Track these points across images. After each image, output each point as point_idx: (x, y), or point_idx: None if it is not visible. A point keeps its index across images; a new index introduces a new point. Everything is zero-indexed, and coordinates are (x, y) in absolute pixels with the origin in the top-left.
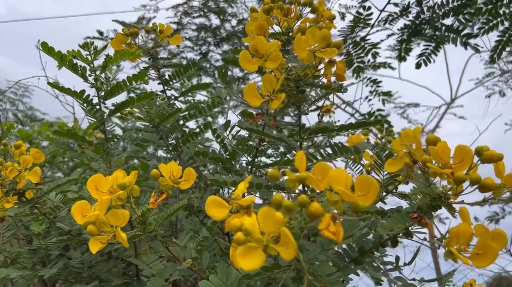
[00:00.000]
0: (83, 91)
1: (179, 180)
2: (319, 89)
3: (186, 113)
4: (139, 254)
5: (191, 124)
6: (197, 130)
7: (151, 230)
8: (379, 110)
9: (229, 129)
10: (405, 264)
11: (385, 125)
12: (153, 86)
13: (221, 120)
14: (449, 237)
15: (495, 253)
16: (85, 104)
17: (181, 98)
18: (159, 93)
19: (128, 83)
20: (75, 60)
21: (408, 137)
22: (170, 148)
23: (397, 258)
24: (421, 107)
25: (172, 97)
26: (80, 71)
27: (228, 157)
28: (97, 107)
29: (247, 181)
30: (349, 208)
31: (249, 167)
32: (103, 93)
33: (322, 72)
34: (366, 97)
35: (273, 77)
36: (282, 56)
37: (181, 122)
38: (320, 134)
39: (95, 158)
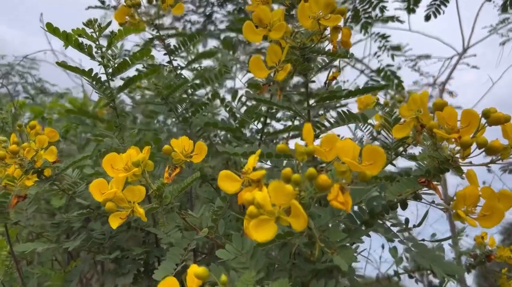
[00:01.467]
0: (91, 70)
1: (191, 154)
2: (325, 55)
3: (194, 82)
4: (157, 224)
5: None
6: (206, 100)
7: (167, 203)
8: (388, 65)
9: (237, 99)
10: (414, 226)
11: (395, 81)
12: (159, 55)
13: (229, 83)
14: (456, 200)
15: (501, 214)
16: (94, 82)
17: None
18: (166, 64)
19: (134, 60)
20: (80, 39)
21: (415, 102)
22: (180, 119)
23: (407, 220)
24: (432, 58)
25: (179, 67)
26: (86, 50)
27: (237, 125)
28: (106, 84)
29: (257, 154)
30: (357, 177)
31: (259, 134)
32: (110, 70)
33: (327, 37)
34: (375, 53)
35: (278, 47)
36: (286, 24)
37: (190, 91)
38: (327, 101)
39: (108, 133)
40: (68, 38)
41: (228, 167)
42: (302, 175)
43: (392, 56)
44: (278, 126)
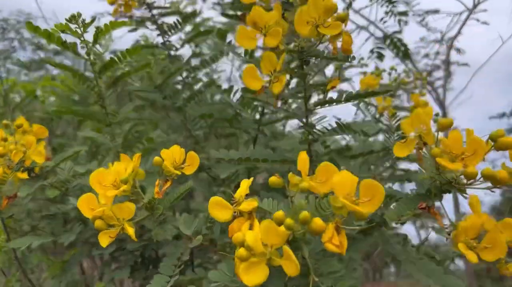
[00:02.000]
0: (78, 71)
1: (182, 166)
2: (324, 59)
3: (189, 67)
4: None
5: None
6: (201, 87)
7: (159, 215)
8: (395, 32)
9: (232, 94)
10: (413, 246)
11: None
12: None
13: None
14: (458, 231)
15: (503, 247)
16: (80, 81)
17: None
18: (159, 46)
19: (122, 58)
20: (64, 36)
21: (419, 119)
22: (175, 108)
23: (405, 237)
24: (441, 13)
25: (174, 48)
26: (70, 48)
27: (233, 115)
28: (94, 82)
29: (249, 182)
30: (354, 215)
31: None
32: (98, 68)
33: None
34: (381, 19)
35: (273, 55)
36: (283, 27)
37: (185, 74)
38: (327, 105)
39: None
40: (50, 37)
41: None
42: (295, 221)
43: (399, 22)
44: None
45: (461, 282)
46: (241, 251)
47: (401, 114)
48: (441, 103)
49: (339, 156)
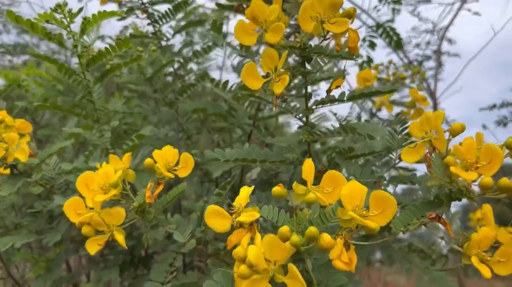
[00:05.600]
0: (63, 65)
1: (175, 168)
2: (328, 57)
3: (181, 60)
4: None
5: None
6: (194, 81)
7: (151, 219)
8: (388, 21)
9: (227, 88)
10: (419, 254)
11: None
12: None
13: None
14: (470, 244)
15: None
16: (65, 75)
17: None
18: (150, 36)
19: (111, 51)
20: (50, 26)
21: (429, 123)
22: (166, 101)
23: (410, 245)
24: (433, 3)
25: (165, 38)
26: (56, 39)
27: (228, 110)
28: (81, 76)
29: (250, 190)
30: (364, 229)
31: (252, 120)
32: (85, 61)
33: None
34: (375, 7)
35: (274, 52)
36: (285, 21)
37: (176, 65)
38: (329, 104)
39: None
40: (33, 27)
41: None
42: (301, 237)
43: (393, 10)
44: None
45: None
46: (242, 269)
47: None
48: (432, 94)
49: (340, 157)
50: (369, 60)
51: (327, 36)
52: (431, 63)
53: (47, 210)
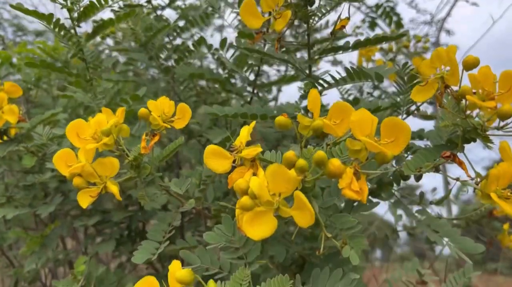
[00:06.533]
0: (51, 15)
1: (171, 119)
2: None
3: (177, 25)
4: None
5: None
6: (191, 46)
7: (147, 174)
8: (387, 1)
9: (225, 48)
10: (432, 203)
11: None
12: None
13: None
14: (488, 180)
15: None
16: (56, 29)
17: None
18: (144, 4)
19: (103, 2)
20: None
21: (440, 58)
22: (162, 68)
23: (421, 195)
24: None
25: (160, 7)
26: None
27: (226, 76)
28: (71, 31)
29: (251, 127)
30: (375, 158)
31: (251, 86)
32: (76, 15)
33: None
34: None
35: None
36: None
37: (172, 35)
38: (333, 53)
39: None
40: None
41: (217, 122)
42: (308, 158)
43: None
44: (271, 71)
45: (480, 245)
46: (244, 200)
47: None
48: None
49: None
50: (373, 24)
51: None
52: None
53: (40, 183)
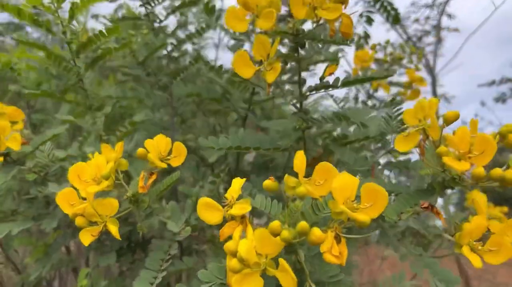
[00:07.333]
0: (51, 52)
1: (168, 157)
2: (321, 43)
3: (174, 42)
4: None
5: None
6: (187, 64)
7: (145, 208)
8: None
9: (222, 74)
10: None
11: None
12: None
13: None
14: (462, 234)
15: (509, 251)
16: (55, 61)
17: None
18: (142, 18)
19: (101, 37)
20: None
21: (423, 110)
22: (159, 85)
23: (403, 232)
24: None
25: (158, 20)
26: (44, 25)
27: (222, 93)
28: (71, 63)
29: (242, 182)
30: (355, 222)
31: (247, 103)
32: (75, 47)
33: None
34: None
35: (266, 39)
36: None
37: (170, 48)
38: (323, 91)
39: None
40: (20, 14)
41: (216, 132)
42: (292, 232)
43: None
44: None
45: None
46: (233, 263)
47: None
48: (431, 70)
49: (335, 143)
50: (366, 35)
51: (320, 21)
52: (430, 39)
53: (43, 196)
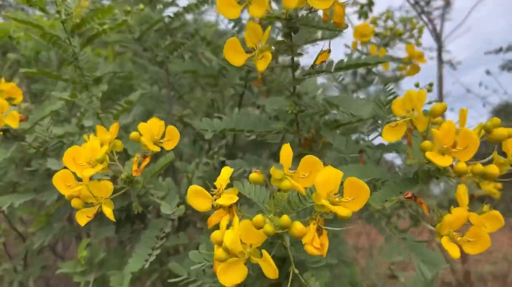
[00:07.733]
0: (45, 33)
1: (161, 141)
2: (314, 28)
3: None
4: None
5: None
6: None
7: (140, 188)
8: None
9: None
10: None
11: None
12: None
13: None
14: (442, 224)
15: (487, 242)
16: (50, 41)
17: None
18: None
19: (95, 18)
20: None
21: (411, 101)
22: (156, 60)
23: (389, 216)
24: None
25: None
26: (37, 4)
27: (219, 70)
28: (66, 41)
29: (231, 171)
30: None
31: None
32: (70, 27)
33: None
34: None
35: (258, 26)
36: None
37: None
38: (316, 75)
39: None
40: None
41: (213, 107)
42: (274, 226)
43: None
44: None
45: (442, 258)
46: (219, 253)
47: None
48: (438, 36)
49: (326, 128)
50: (370, 3)
51: (313, 8)
52: (439, 2)
53: (44, 169)
